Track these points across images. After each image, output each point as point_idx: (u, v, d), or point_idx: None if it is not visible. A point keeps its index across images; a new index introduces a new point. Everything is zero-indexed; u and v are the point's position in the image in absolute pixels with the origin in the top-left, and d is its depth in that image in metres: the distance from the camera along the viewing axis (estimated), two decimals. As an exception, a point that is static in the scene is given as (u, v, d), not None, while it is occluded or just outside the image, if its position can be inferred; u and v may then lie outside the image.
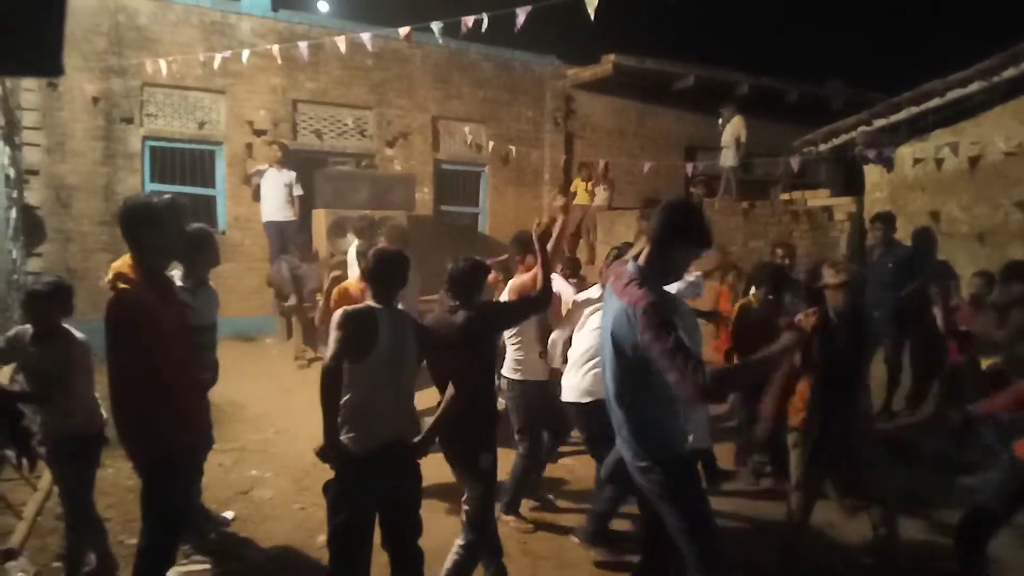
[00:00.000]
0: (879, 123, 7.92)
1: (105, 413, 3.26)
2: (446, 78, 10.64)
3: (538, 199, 11.60)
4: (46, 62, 1.01)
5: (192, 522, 3.90)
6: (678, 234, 2.54)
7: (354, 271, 5.63)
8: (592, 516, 4.02)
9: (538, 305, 3.47)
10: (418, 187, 10.05)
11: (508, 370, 4.35)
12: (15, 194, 7.36)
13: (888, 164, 7.96)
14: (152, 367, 2.59)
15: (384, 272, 2.94)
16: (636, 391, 2.57)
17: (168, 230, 2.74)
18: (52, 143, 8.13)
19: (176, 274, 3.86)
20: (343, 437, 2.74)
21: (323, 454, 2.73)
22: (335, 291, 4.57)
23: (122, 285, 2.60)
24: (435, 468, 3.31)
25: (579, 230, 10.33)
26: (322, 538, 3.30)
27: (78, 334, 3.35)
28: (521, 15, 5.21)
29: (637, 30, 13.20)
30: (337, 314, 2.81)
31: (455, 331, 3.24)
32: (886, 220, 6.76)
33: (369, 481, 2.75)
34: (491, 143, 10.83)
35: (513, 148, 10.80)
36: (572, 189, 11.03)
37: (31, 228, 7.82)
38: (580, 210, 10.51)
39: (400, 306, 3.04)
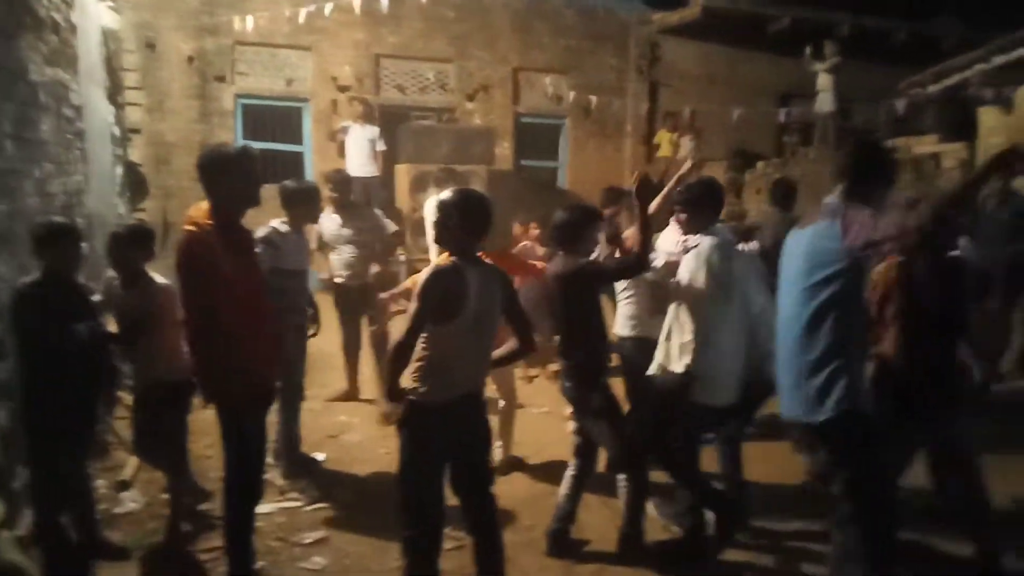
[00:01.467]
0: (998, 60, 7.26)
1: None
2: (527, 28, 10.45)
3: (620, 152, 11.33)
4: None
5: (288, 461, 4.11)
6: (875, 171, 2.63)
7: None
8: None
9: (633, 270, 3.31)
10: (498, 141, 9.99)
11: (622, 327, 4.00)
12: (120, 152, 7.76)
13: (1007, 105, 7.30)
14: (214, 311, 2.64)
15: (471, 217, 2.71)
16: (838, 331, 2.52)
17: (240, 178, 2.77)
18: (152, 102, 8.52)
19: (278, 222, 4.13)
20: (420, 389, 2.67)
21: (388, 398, 2.73)
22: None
23: (188, 227, 2.69)
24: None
25: (663, 182, 10.05)
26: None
27: (161, 279, 3.41)
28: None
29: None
30: (424, 276, 2.65)
31: (553, 279, 3.25)
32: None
33: (438, 429, 2.69)
34: (572, 94, 10.60)
35: (595, 99, 10.53)
36: (656, 140, 10.72)
37: (135, 184, 8.24)
38: (664, 162, 10.20)
39: None
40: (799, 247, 2.65)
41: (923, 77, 8.25)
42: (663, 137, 10.46)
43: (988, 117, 7.62)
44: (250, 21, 7.77)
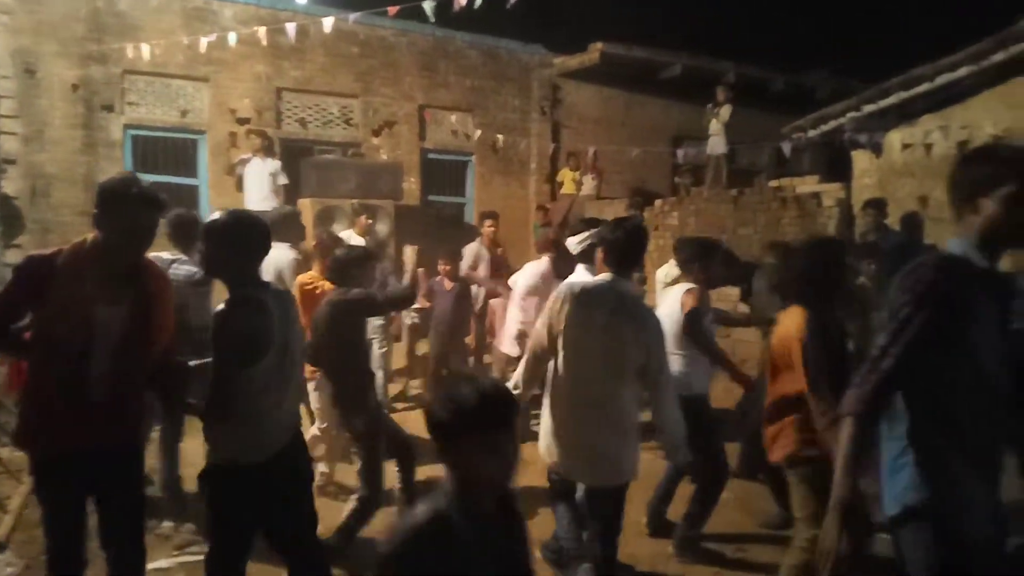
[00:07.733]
0: (868, 109, 7.95)
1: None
2: (432, 66, 10.53)
3: (525, 188, 11.54)
4: None
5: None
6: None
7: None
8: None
9: (405, 302, 4.19)
10: (405, 176, 9.94)
11: None
12: (-8, 183, 7.18)
13: (877, 149, 7.99)
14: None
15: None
16: None
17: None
18: (30, 131, 7.93)
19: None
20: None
21: None
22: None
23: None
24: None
25: (566, 219, 10.29)
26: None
27: None
28: (513, -6, 5.14)
29: (624, 18, 13.18)
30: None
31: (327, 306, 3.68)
32: (877, 206, 6.77)
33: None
34: (478, 132, 10.74)
35: (500, 137, 10.71)
36: (559, 179, 11.00)
37: (9, 219, 7.63)
38: (567, 199, 10.48)
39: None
40: None
41: (804, 122, 8.91)
42: (566, 175, 10.76)
43: (861, 161, 8.31)
44: (145, 49, 7.41)
